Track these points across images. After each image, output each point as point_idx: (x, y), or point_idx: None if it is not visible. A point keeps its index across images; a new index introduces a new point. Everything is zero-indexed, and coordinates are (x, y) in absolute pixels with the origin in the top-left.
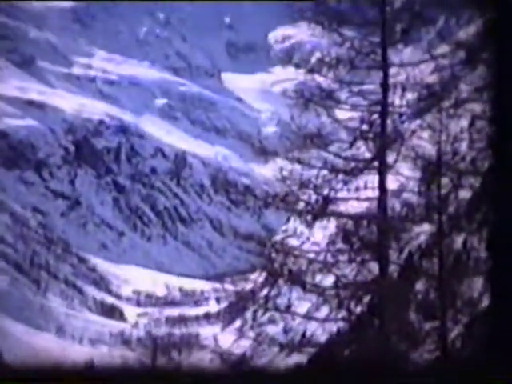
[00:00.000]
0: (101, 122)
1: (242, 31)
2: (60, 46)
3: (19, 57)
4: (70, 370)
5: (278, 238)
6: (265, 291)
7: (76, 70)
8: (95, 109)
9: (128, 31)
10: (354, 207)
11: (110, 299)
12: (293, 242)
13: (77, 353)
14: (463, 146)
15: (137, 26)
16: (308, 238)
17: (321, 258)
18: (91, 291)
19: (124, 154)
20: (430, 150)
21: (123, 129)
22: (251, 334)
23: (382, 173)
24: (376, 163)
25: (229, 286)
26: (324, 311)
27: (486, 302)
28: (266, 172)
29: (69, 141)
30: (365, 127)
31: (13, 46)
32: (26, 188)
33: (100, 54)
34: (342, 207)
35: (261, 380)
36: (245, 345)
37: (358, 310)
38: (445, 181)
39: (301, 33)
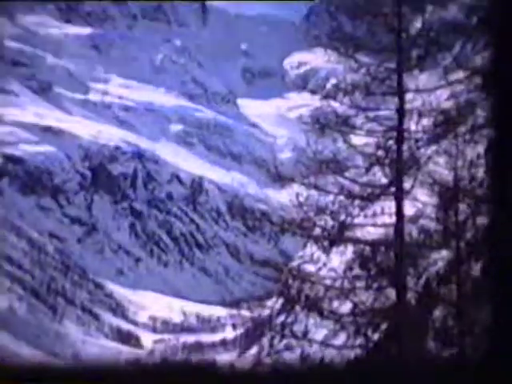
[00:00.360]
0: (117, 148)
1: (257, 57)
2: (77, 73)
3: (36, 83)
4: (70, 369)
5: (294, 264)
6: (281, 318)
7: (93, 97)
8: (111, 135)
9: (144, 58)
10: (371, 233)
11: (126, 326)
12: (309, 267)
13: None
14: (480, 172)
15: (153, 52)
16: (325, 264)
17: (338, 284)
18: (107, 317)
19: (140, 179)
20: (446, 175)
21: (139, 155)
22: (268, 360)
23: (399, 199)
24: (392, 189)
25: (245, 313)
26: (341, 338)
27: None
28: (283, 198)
29: (85, 167)
30: (381, 153)
31: (30, 73)
32: (43, 214)
33: (116, 81)
34: (358, 233)
35: None
36: (261, 372)
37: (376, 336)
38: (462, 207)
39: (317, 59)
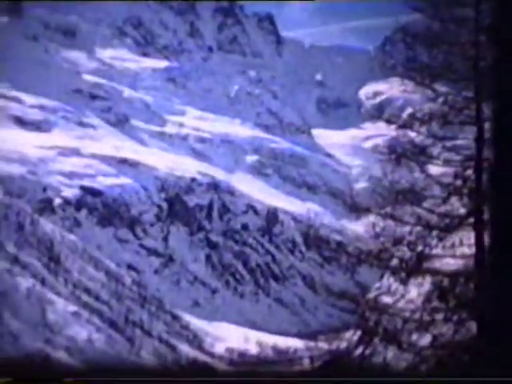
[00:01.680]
0: (193, 179)
1: (332, 87)
2: (153, 105)
3: (114, 116)
4: (70, 369)
5: (371, 295)
6: (359, 350)
7: (169, 129)
8: (188, 166)
9: (220, 89)
10: (450, 264)
11: (202, 357)
12: (387, 299)
13: None
14: None
15: (228, 84)
16: (402, 296)
17: (416, 316)
18: (184, 349)
19: (216, 210)
20: None
21: (215, 186)
22: None
23: (479, 229)
24: (471, 219)
25: (323, 345)
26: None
27: None
28: (359, 228)
29: (162, 198)
30: (459, 183)
31: (107, 106)
32: (121, 245)
33: (192, 113)
34: (437, 264)
35: None
36: None
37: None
38: None
39: (392, 88)
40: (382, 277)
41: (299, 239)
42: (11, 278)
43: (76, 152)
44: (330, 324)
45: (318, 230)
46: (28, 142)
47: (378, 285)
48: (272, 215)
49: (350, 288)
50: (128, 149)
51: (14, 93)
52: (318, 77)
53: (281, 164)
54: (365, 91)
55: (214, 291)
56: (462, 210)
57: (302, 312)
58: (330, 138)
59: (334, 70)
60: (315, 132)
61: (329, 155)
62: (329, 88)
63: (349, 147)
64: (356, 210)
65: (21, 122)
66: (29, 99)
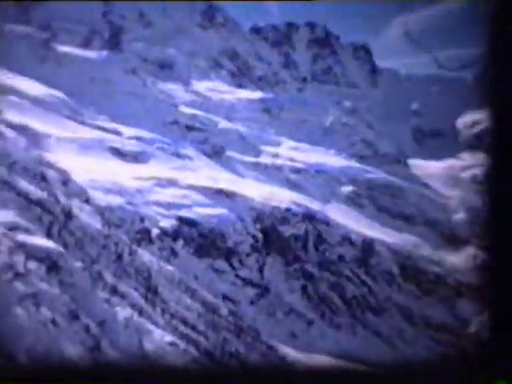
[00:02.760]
0: (288, 209)
1: (429, 117)
2: (248, 136)
3: (210, 147)
4: (70, 369)
5: (471, 329)
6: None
7: (264, 159)
8: (282, 197)
9: (314, 120)
10: None
11: None
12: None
13: None
14: None
15: (323, 114)
16: None
17: None
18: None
19: (311, 241)
20: None
21: (310, 216)
22: None
23: None
24: None
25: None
26: None
27: None
28: (458, 260)
29: (257, 229)
30: None
31: (203, 137)
32: (217, 276)
33: (287, 143)
34: None
35: None
36: None
37: None
38: None
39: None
40: (482, 310)
41: (396, 270)
42: (110, 307)
43: (173, 183)
44: (428, 357)
45: (415, 261)
46: (126, 173)
47: (478, 318)
48: (368, 246)
49: (449, 321)
50: (224, 179)
51: (112, 125)
52: (414, 106)
53: (376, 194)
54: (463, 120)
55: (309, 322)
56: None
57: (399, 344)
58: (426, 168)
59: (430, 99)
60: (411, 162)
61: (425, 185)
62: (425, 117)
63: (446, 177)
64: (455, 241)
65: (119, 154)
66: (127, 131)
